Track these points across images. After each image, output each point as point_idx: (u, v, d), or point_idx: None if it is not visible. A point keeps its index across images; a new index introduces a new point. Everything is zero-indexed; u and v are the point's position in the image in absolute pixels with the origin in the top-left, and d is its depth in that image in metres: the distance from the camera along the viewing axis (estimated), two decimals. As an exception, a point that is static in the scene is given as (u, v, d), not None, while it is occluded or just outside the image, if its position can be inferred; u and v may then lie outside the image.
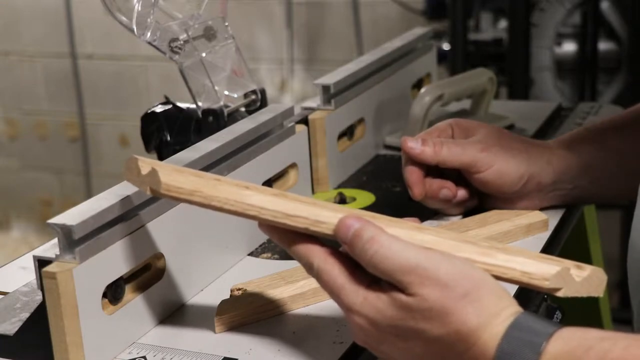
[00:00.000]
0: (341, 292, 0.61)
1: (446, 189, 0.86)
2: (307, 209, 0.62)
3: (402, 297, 0.58)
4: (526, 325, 0.56)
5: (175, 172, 0.64)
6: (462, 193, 0.87)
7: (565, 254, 0.94)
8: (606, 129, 0.88)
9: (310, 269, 0.63)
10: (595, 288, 0.60)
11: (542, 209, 0.86)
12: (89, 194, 2.85)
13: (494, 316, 0.57)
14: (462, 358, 0.57)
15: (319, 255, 0.62)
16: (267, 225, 0.64)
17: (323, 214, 0.62)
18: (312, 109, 0.99)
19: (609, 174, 0.86)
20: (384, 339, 0.60)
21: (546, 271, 0.60)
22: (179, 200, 0.64)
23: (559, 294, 0.60)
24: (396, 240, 0.59)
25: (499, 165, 0.84)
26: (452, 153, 0.84)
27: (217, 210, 0.63)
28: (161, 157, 0.94)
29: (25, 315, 0.72)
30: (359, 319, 0.60)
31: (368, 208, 0.93)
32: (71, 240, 0.63)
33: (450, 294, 0.57)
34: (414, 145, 0.84)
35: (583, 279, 0.60)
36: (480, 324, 0.56)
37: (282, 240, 0.64)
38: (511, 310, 0.57)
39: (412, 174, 0.85)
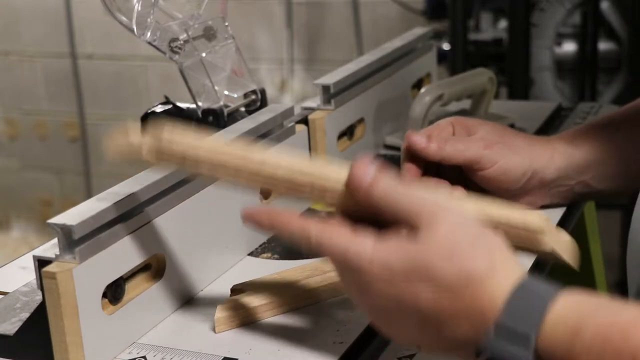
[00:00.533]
0: (348, 249, 0.59)
1: (442, 187, 0.86)
2: (314, 166, 0.62)
3: (414, 236, 0.58)
4: (536, 282, 0.56)
5: (176, 131, 0.62)
6: (458, 193, 0.87)
7: (565, 254, 0.94)
8: (608, 125, 0.88)
9: (309, 242, 0.61)
10: (570, 255, 0.62)
11: (543, 207, 0.86)
12: (89, 194, 2.85)
13: (503, 267, 0.57)
14: (470, 305, 0.56)
15: (315, 225, 0.61)
16: (256, 214, 0.63)
17: (329, 169, 0.62)
18: (312, 109, 0.99)
19: (611, 170, 0.85)
20: (393, 294, 0.58)
21: (536, 215, 0.62)
22: (181, 161, 0.61)
23: (545, 239, 0.61)
24: (411, 185, 0.61)
25: (503, 162, 0.83)
26: (456, 150, 0.84)
27: (221, 172, 0.61)
28: (161, 157, 0.94)
29: (25, 315, 0.72)
30: (371, 266, 0.58)
31: (368, 208, 0.93)
32: (71, 240, 0.63)
33: (462, 238, 0.58)
34: (419, 139, 0.84)
35: (563, 239, 0.62)
36: (489, 271, 0.56)
37: (274, 222, 0.62)
38: (520, 270, 0.57)
39: (410, 171, 0.85)
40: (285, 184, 0.62)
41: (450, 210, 0.59)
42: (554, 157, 0.85)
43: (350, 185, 0.61)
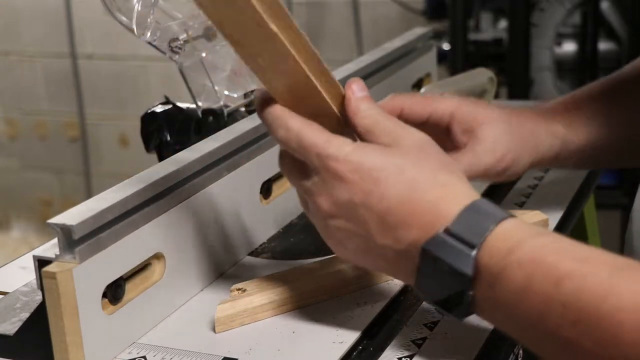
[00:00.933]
0: (328, 142, 0.62)
1: None
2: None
3: (389, 146, 0.63)
4: (492, 205, 0.60)
5: None
6: None
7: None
8: (603, 97, 0.86)
9: (289, 134, 0.63)
10: None
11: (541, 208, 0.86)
12: (89, 194, 2.85)
13: (465, 185, 0.62)
14: (431, 204, 0.60)
15: (298, 118, 0.63)
16: (261, 101, 0.65)
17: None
18: (312, 109, 0.99)
19: (606, 151, 0.84)
20: (364, 187, 0.61)
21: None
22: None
23: None
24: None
25: (513, 170, 0.81)
26: (471, 164, 0.79)
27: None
28: (161, 157, 0.94)
29: (25, 315, 0.72)
30: (348, 158, 0.61)
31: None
32: (71, 240, 0.63)
33: (433, 153, 0.63)
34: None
35: None
36: (455, 182, 0.61)
37: (266, 110, 0.64)
38: (477, 195, 0.62)
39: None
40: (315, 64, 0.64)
41: (423, 135, 0.64)
42: (553, 144, 0.83)
43: (346, 94, 0.65)
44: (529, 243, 0.56)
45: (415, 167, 0.61)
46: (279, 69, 0.62)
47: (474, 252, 0.57)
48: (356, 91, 0.65)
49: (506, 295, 0.56)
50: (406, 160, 0.61)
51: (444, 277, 0.58)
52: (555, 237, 0.57)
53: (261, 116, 0.65)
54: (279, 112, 0.64)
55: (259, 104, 0.65)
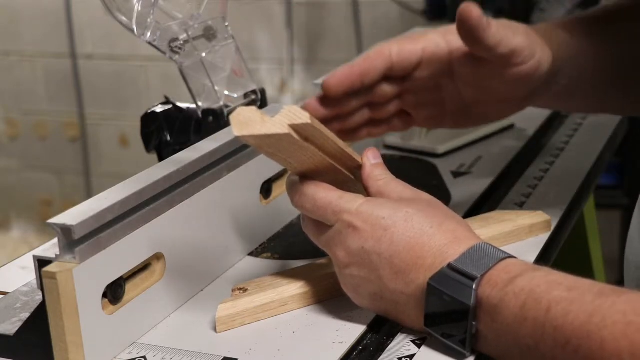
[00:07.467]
0: (341, 200, 0.67)
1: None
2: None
3: (399, 200, 0.68)
4: (494, 248, 0.64)
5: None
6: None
7: (565, 254, 0.94)
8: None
9: (303, 197, 0.68)
10: None
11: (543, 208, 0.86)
12: (89, 194, 2.85)
13: (471, 233, 0.67)
14: (438, 246, 0.65)
15: (311, 183, 0.68)
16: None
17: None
18: (312, 109, 0.99)
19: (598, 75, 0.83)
20: (375, 235, 0.65)
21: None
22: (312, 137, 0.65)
23: None
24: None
25: (539, 56, 0.77)
26: (505, 35, 0.76)
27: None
28: (161, 157, 0.94)
29: (25, 315, 0.72)
30: (359, 210, 0.66)
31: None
32: (71, 240, 0.63)
33: (443, 207, 0.69)
34: (478, 18, 0.76)
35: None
36: (458, 228, 0.66)
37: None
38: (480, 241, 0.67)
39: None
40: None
41: (430, 196, 0.70)
42: (562, 42, 0.81)
43: (363, 161, 0.71)
44: (524, 276, 0.60)
45: (423, 216, 0.66)
46: (303, 162, 0.67)
47: (474, 284, 0.61)
48: (371, 158, 0.71)
49: (506, 324, 0.60)
50: (414, 210, 0.66)
51: (448, 310, 0.62)
52: (548, 271, 0.61)
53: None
54: (292, 180, 0.70)
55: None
